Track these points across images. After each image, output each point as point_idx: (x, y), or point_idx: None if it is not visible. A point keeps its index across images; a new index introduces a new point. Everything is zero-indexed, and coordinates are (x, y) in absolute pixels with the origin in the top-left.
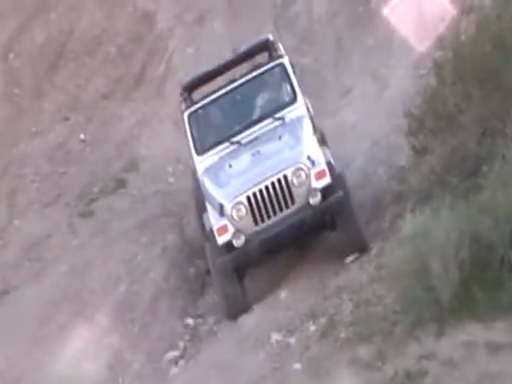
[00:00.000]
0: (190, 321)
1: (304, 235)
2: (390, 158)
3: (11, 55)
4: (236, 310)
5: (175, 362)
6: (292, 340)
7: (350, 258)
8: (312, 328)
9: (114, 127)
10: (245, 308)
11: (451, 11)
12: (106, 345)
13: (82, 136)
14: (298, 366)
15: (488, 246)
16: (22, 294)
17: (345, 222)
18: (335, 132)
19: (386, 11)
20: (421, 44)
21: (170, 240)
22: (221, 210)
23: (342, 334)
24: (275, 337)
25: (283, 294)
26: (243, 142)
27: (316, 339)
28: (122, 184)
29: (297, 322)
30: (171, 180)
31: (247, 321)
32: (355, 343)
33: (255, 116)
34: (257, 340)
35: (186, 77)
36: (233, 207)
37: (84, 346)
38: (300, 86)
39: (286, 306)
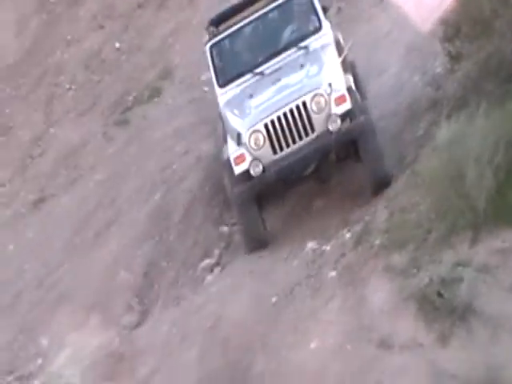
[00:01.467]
0: (224, 229)
1: (326, 165)
2: (425, 65)
3: None
4: (255, 242)
5: (210, 269)
6: (327, 248)
7: None
8: (347, 235)
9: (149, 36)
10: (264, 241)
11: None
12: (142, 252)
13: (117, 44)
14: (332, 273)
15: None
16: (58, 202)
17: (365, 151)
18: (370, 39)
19: None
20: None
21: (204, 149)
22: (238, 139)
23: (377, 241)
24: (310, 245)
25: (318, 203)
26: (266, 72)
27: (351, 247)
28: (156, 92)
29: (332, 230)
30: (206, 88)
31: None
32: (390, 250)
33: (279, 46)
34: (292, 248)
35: None
36: (250, 135)
37: (120, 254)
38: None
39: (321, 215)
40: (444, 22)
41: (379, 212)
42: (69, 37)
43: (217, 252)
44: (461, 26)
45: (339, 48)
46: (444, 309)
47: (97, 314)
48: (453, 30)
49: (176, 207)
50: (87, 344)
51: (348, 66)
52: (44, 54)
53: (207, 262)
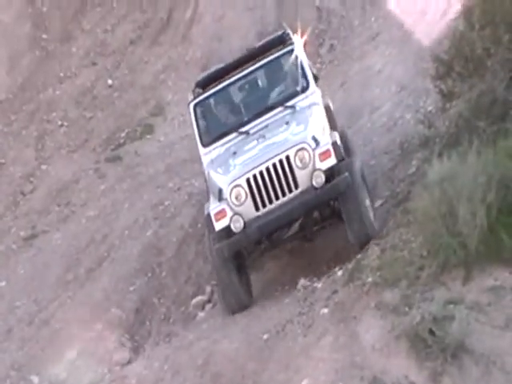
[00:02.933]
0: None
1: (310, 224)
2: (417, 103)
3: (39, 0)
4: (233, 305)
5: (202, 306)
6: (319, 285)
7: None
8: (339, 273)
9: (141, 72)
10: (243, 304)
11: None
12: (134, 289)
13: (109, 81)
14: (324, 310)
15: None
16: (50, 238)
17: (346, 210)
18: (362, 77)
19: None
20: None
21: (196, 185)
22: (219, 195)
23: (369, 279)
24: (302, 282)
25: (308, 244)
26: (252, 131)
27: (342, 284)
28: (149, 129)
29: (323, 268)
30: None
31: (274, 266)
32: (382, 288)
33: (265, 105)
34: (283, 285)
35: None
36: (231, 190)
37: (111, 290)
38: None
39: (312, 253)
40: (436, 60)
41: (371, 249)
42: (61, 73)
43: (208, 289)
44: (453, 64)
45: (329, 114)
46: (436, 347)
47: (88, 351)
48: (445, 68)
49: (168, 243)
50: (79, 382)
51: (335, 125)
52: (36, 91)
53: (199, 298)
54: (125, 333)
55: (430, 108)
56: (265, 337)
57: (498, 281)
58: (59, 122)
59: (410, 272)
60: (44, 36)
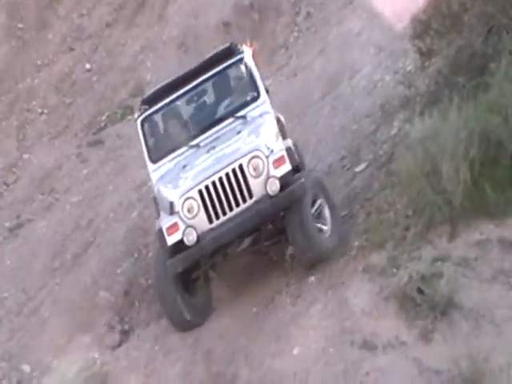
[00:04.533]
0: None
1: (264, 236)
2: (396, 64)
3: None
4: (179, 324)
5: None
6: None
7: (358, 168)
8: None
9: (119, 55)
10: (191, 321)
11: None
12: (121, 271)
13: (87, 65)
14: (312, 278)
15: (497, 143)
16: (35, 227)
17: (291, 223)
18: (341, 41)
19: None
20: None
21: None
22: (171, 208)
23: (356, 243)
24: (289, 251)
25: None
26: (202, 144)
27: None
28: (129, 111)
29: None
30: None
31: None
32: (368, 251)
33: (215, 117)
34: (271, 256)
35: None
36: (183, 203)
37: (99, 274)
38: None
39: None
40: (414, 19)
41: (356, 213)
42: (39, 61)
43: None
44: (430, 22)
45: (280, 125)
46: (425, 305)
47: (79, 336)
48: (422, 26)
49: (153, 224)
50: (70, 367)
51: (286, 134)
52: (15, 80)
53: None
54: (114, 315)
55: (409, 68)
56: (254, 310)
57: (483, 234)
58: (39, 110)
59: (396, 233)
60: (20, 25)
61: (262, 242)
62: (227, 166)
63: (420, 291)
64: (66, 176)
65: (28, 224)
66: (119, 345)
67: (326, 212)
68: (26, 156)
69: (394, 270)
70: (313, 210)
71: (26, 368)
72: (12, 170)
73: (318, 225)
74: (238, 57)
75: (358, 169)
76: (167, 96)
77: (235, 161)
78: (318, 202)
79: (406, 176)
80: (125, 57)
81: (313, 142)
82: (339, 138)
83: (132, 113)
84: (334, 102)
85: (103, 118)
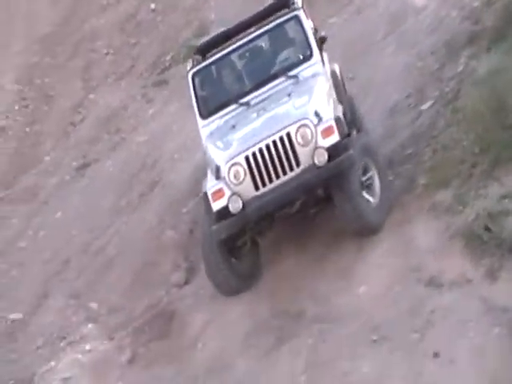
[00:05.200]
0: None
1: (313, 201)
2: (462, 0)
3: None
4: (224, 290)
5: None
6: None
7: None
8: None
9: None
10: (236, 287)
11: None
12: (186, 210)
13: (152, 5)
14: None
15: None
16: (102, 167)
17: (338, 195)
18: None
19: None
20: None
21: None
22: (217, 173)
23: (422, 181)
24: None
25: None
26: (252, 103)
27: (395, 189)
28: (193, 50)
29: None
30: None
31: None
32: (435, 189)
33: (266, 75)
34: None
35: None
36: (230, 168)
37: (165, 214)
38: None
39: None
40: None
41: (422, 151)
42: (104, 1)
43: None
44: None
45: (336, 80)
46: (492, 243)
47: (145, 275)
48: None
49: None
50: (137, 306)
51: (343, 98)
52: (80, 21)
53: None
54: (180, 254)
55: (475, 4)
56: (320, 250)
57: None
58: (104, 51)
59: (463, 171)
60: None
61: (309, 209)
62: (275, 133)
63: (487, 229)
64: (131, 116)
65: (94, 164)
66: (185, 283)
67: (377, 183)
68: (91, 96)
69: (461, 207)
70: (363, 179)
71: (94, 306)
72: (78, 111)
73: (366, 196)
74: (293, 13)
75: (423, 107)
76: (221, 47)
77: (283, 128)
78: (369, 173)
79: (473, 113)
80: None
81: (377, 81)
82: (404, 76)
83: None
84: (399, 39)
85: (167, 58)
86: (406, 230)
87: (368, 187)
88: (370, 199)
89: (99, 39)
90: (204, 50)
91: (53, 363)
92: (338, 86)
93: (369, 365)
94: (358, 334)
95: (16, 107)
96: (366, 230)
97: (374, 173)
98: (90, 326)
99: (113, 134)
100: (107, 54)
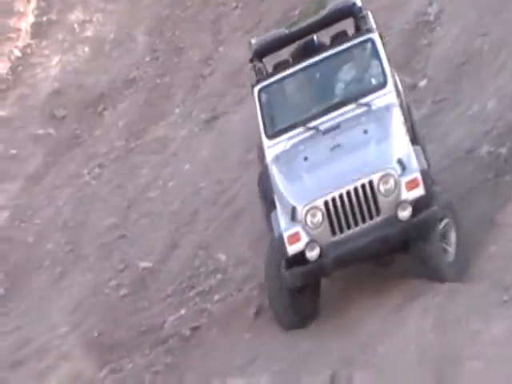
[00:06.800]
0: None
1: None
2: None
3: None
4: (288, 326)
5: None
6: (503, 150)
7: None
8: None
9: None
10: (299, 325)
11: None
12: None
13: None
14: (508, 177)
15: None
16: (230, 120)
17: (418, 249)
18: None
19: None
20: None
21: None
22: (293, 214)
23: None
24: (485, 148)
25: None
26: (321, 128)
27: None
28: (322, 4)
29: (506, 132)
30: None
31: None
32: None
33: (337, 99)
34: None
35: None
36: (307, 212)
37: None
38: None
39: (494, 117)
40: None
41: None
42: None
43: None
44: None
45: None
46: None
47: None
48: None
49: None
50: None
51: (412, 129)
52: None
53: None
54: None
55: None
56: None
57: None
58: (234, 5)
59: None
60: None
61: (383, 256)
62: (357, 179)
63: None
64: None
65: (223, 116)
66: None
67: (453, 234)
68: (221, 49)
69: None
70: (442, 232)
71: (222, 257)
72: (208, 63)
73: (443, 245)
74: (368, 36)
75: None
76: (286, 63)
77: (366, 175)
78: (445, 221)
79: None
80: None
81: None
82: None
83: (325, 6)
84: None
85: (295, 12)
86: None
87: (444, 236)
88: (447, 248)
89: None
90: (262, 54)
91: (182, 312)
92: (412, 120)
93: (499, 325)
94: (489, 294)
95: (147, 59)
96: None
97: (450, 221)
98: (218, 276)
99: (240, 87)
100: (236, 7)
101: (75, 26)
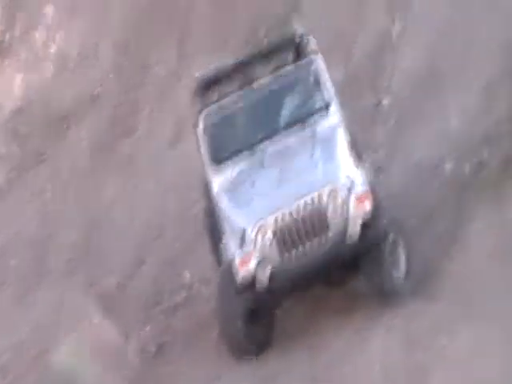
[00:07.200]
0: None
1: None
2: None
3: None
4: (243, 355)
5: None
6: (467, 167)
7: None
8: None
9: None
10: (251, 352)
11: None
12: None
13: None
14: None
15: None
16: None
17: (365, 259)
18: None
19: None
20: None
21: (331, 77)
22: (242, 236)
23: None
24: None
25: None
26: (268, 152)
27: None
28: (286, 23)
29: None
30: (334, 15)
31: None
32: None
33: (281, 122)
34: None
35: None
36: (258, 230)
37: None
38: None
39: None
40: None
41: None
42: None
43: None
44: None
45: (351, 139)
46: None
47: None
48: None
49: None
50: None
51: (358, 152)
52: None
53: None
54: None
55: None
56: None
57: None
58: (200, 23)
59: None
60: None
61: (337, 273)
62: (306, 195)
63: None
64: None
65: (189, 134)
66: None
67: (401, 250)
68: (186, 66)
69: None
70: (390, 250)
71: (187, 274)
72: (173, 80)
73: (393, 269)
74: (310, 58)
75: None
76: (226, 85)
77: (314, 191)
78: (391, 236)
79: None
80: None
81: None
82: None
83: (287, 26)
84: None
85: (260, 30)
86: None
87: (391, 253)
88: (398, 272)
89: (193, 10)
90: (205, 86)
91: (148, 328)
92: (354, 140)
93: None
94: (451, 310)
95: (111, 75)
96: (392, 300)
97: (397, 238)
98: (183, 293)
99: None
100: (201, 25)
101: (39, 43)
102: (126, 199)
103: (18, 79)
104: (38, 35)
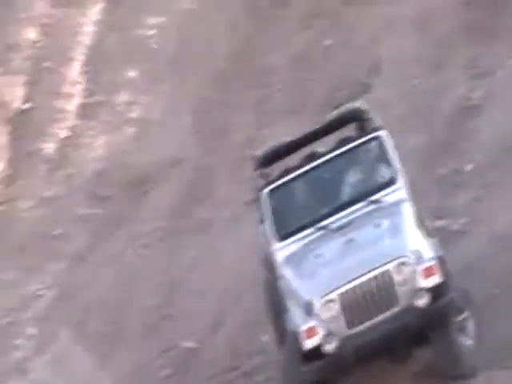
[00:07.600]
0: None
1: (405, 341)
2: None
3: None
4: None
5: None
6: None
7: None
8: None
9: (357, 32)
10: None
11: None
12: None
13: (325, 42)
14: None
15: None
16: None
17: (436, 336)
18: None
19: None
20: None
21: (413, 142)
22: (308, 309)
23: None
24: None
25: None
26: (332, 227)
27: None
28: (366, 88)
29: None
30: (415, 82)
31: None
32: None
33: (346, 198)
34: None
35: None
36: (323, 305)
37: None
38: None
39: None
40: None
41: None
42: (277, 38)
43: None
44: None
45: (419, 213)
46: None
47: None
48: None
49: None
50: None
51: (426, 226)
52: (254, 58)
53: None
54: None
55: None
56: None
57: None
58: (278, 86)
59: None
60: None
61: (403, 347)
62: (373, 269)
63: None
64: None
65: None
66: None
67: (471, 326)
68: (264, 131)
69: None
70: (459, 320)
71: (264, 337)
72: (250, 146)
73: (463, 339)
74: (375, 134)
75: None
76: (292, 167)
77: (382, 266)
78: (464, 314)
79: None
80: (361, 34)
81: None
82: None
83: (368, 91)
84: None
85: (340, 95)
86: None
87: (462, 329)
88: (467, 341)
89: (272, 75)
90: (267, 163)
91: None
92: (422, 216)
93: None
94: None
95: (191, 139)
96: (462, 376)
97: (469, 314)
98: (260, 357)
99: None
100: (279, 90)
101: (122, 107)
102: (204, 263)
103: (101, 141)
104: (121, 99)
